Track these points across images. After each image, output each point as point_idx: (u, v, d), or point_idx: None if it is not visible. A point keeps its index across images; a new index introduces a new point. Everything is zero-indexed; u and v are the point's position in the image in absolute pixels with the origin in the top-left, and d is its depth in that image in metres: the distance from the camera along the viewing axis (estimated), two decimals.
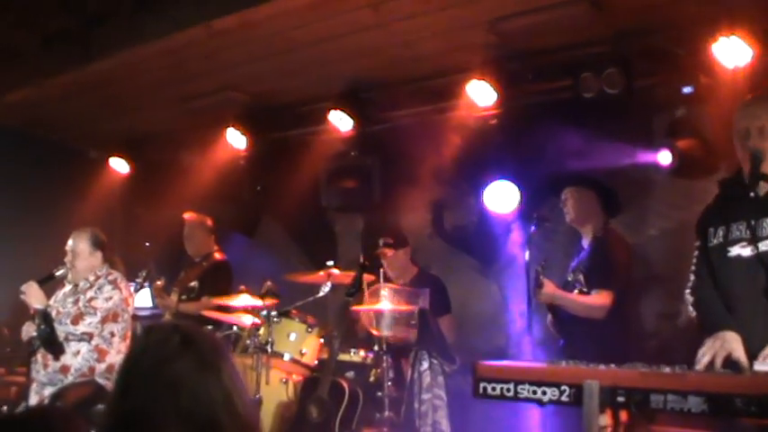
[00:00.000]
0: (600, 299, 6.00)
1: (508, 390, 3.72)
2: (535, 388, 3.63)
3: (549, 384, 3.59)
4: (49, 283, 6.42)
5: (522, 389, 3.68)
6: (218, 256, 8.55)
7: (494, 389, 3.77)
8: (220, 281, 8.24)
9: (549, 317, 6.38)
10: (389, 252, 7.32)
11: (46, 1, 8.65)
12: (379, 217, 8.74)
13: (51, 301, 6.35)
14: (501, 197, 7.56)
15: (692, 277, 4.63)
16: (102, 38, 8.12)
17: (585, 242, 6.42)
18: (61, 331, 6.07)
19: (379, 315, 6.58)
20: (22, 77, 9.00)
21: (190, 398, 2.24)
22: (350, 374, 6.97)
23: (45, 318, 6.00)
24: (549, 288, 6.03)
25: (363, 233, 9.13)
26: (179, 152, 10.04)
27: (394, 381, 6.63)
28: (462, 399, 7.06)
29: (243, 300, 7.26)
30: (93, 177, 10.53)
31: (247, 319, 7.14)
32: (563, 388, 3.55)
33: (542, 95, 7.45)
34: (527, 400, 3.67)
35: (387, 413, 6.44)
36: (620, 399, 3.41)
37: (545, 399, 3.60)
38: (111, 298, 6.28)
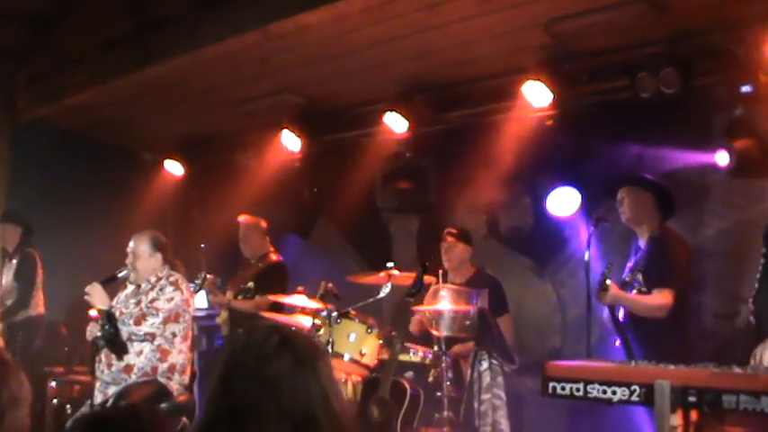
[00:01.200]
0: (662, 298, 5.96)
1: (578, 389, 3.74)
2: (605, 388, 3.65)
3: (620, 384, 3.61)
4: (112, 285, 6.49)
5: (591, 389, 3.70)
6: (273, 257, 8.60)
7: (563, 388, 3.80)
8: (276, 282, 8.27)
9: (606, 312, 6.35)
10: (451, 240, 7.34)
11: (106, 7, 8.79)
12: (434, 218, 8.75)
13: (114, 302, 6.42)
14: (562, 202, 7.53)
15: (756, 285, 4.61)
16: (161, 42, 8.23)
17: (641, 242, 6.39)
18: (124, 332, 6.13)
19: (438, 315, 6.59)
20: (81, 81, 9.13)
21: (289, 395, 2.29)
22: (409, 374, 7.00)
23: (109, 318, 6.06)
24: (614, 290, 6.00)
25: (418, 234, 9.14)
26: (234, 154, 10.10)
27: (453, 381, 6.65)
28: (517, 399, 7.09)
29: (300, 300, 7.30)
30: (147, 180, 10.65)
31: (306, 320, 7.19)
32: (633, 388, 3.57)
33: (599, 96, 7.44)
34: (596, 400, 3.69)
35: (446, 413, 6.45)
36: (692, 399, 3.41)
37: (615, 399, 3.62)
38: (172, 299, 6.34)
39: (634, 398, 3.55)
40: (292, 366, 2.33)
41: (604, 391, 3.64)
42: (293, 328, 2.51)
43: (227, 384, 2.35)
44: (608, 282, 5.96)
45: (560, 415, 7.37)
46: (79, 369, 8.58)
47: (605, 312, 6.36)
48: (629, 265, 6.41)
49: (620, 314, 6.24)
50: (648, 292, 6.06)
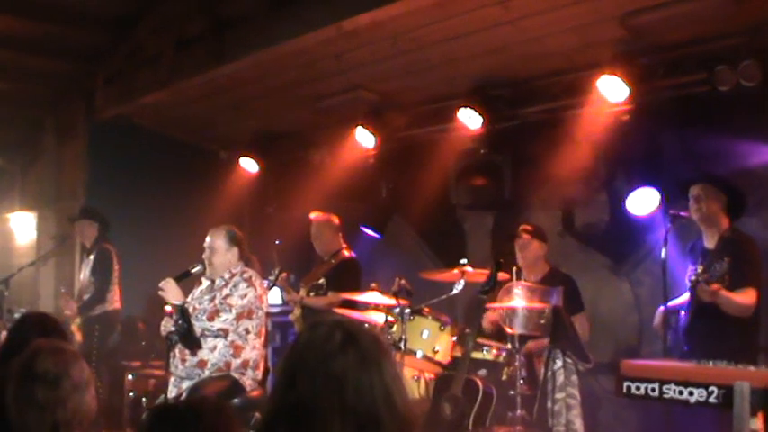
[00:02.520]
0: (748, 297, 5.82)
1: (653, 390, 3.67)
2: (681, 388, 3.57)
3: (697, 385, 3.52)
4: (186, 280, 6.54)
5: (667, 389, 3.63)
6: (346, 253, 8.59)
7: (638, 388, 3.73)
8: (348, 278, 8.28)
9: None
10: (526, 237, 7.26)
11: (181, 7, 8.89)
12: (508, 215, 8.68)
13: (188, 298, 6.46)
14: (641, 201, 7.39)
15: None
16: (235, 40, 8.30)
17: (709, 242, 6.25)
18: (198, 327, 6.18)
19: (512, 313, 6.52)
20: (157, 80, 9.26)
21: (353, 393, 2.27)
22: (482, 372, 6.95)
23: (183, 314, 6.11)
24: (715, 286, 5.88)
25: (493, 231, 9.06)
26: (308, 151, 10.17)
27: (526, 379, 6.58)
28: (591, 398, 6.99)
29: (373, 297, 7.29)
30: (223, 177, 10.76)
31: (378, 317, 7.17)
32: (711, 389, 3.49)
33: (676, 90, 7.31)
34: (672, 401, 3.61)
35: (519, 411, 6.39)
36: None
37: (692, 400, 3.54)
38: (245, 295, 6.35)
39: (711, 399, 3.47)
40: (357, 363, 2.31)
41: (681, 392, 3.56)
42: (357, 324, 2.46)
43: (290, 380, 2.34)
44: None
45: (635, 415, 7.27)
46: (156, 363, 8.72)
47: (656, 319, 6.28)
48: (696, 265, 6.26)
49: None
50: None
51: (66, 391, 3.19)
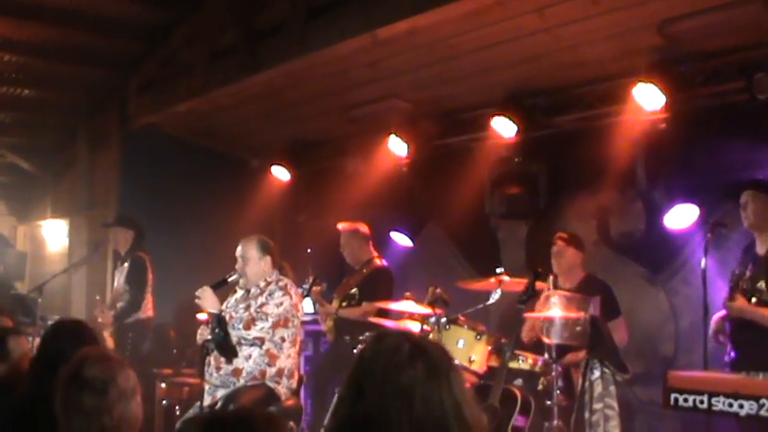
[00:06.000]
0: None
1: (701, 402, 3.62)
2: (731, 401, 3.52)
3: (747, 397, 3.46)
4: (222, 288, 6.53)
5: (716, 401, 3.57)
6: (378, 262, 8.57)
7: (686, 400, 3.68)
8: (380, 287, 8.26)
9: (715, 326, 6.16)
10: (561, 244, 7.22)
11: (215, 17, 8.91)
12: (543, 224, 8.62)
13: (224, 307, 6.45)
14: (680, 216, 7.32)
15: None
16: (270, 49, 8.31)
17: (760, 248, 6.18)
18: (234, 336, 6.16)
19: (549, 322, 6.46)
20: (191, 89, 9.28)
21: (422, 405, 2.24)
22: (518, 382, 6.89)
23: (219, 322, 6.09)
24: (740, 302, 5.81)
25: (527, 240, 9.00)
26: (341, 159, 10.15)
27: (563, 389, 6.52)
28: (628, 409, 6.93)
29: (408, 306, 7.26)
30: (255, 186, 10.75)
31: (414, 326, 7.14)
32: (762, 401, 3.43)
33: (713, 98, 7.24)
34: (722, 413, 3.55)
35: (555, 422, 6.33)
36: None
37: (742, 413, 3.48)
38: (281, 304, 6.33)
39: (763, 412, 3.41)
40: (425, 376, 2.28)
41: (730, 405, 3.51)
42: (424, 336, 2.45)
43: (357, 393, 2.30)
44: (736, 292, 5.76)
45: (671, 426, 7.20)
46: (187, 371, 8.70)
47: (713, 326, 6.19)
48: (747, 272, 6.18)
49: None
50: None
51: (113, 399, 3.22)
